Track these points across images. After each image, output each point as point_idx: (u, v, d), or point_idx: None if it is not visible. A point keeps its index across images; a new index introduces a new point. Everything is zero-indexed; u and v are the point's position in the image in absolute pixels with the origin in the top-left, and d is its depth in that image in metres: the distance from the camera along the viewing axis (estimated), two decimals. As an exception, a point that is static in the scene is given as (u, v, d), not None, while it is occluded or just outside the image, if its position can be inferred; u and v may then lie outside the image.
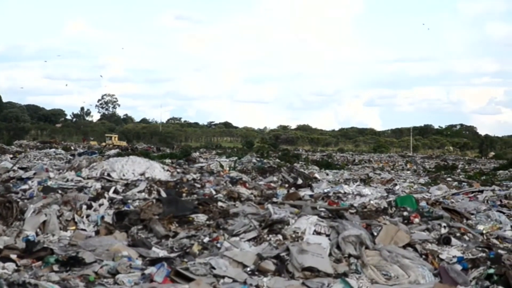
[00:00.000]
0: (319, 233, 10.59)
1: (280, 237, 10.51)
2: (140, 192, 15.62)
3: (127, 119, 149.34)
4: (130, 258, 9.28)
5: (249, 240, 10.57)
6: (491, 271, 9.20)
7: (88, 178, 17.51)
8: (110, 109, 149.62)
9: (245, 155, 45.70)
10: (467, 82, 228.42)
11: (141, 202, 14.11)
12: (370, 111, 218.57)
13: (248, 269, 8.92)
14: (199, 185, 18.41)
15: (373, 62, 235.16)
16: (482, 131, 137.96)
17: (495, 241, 12.38)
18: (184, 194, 16.19)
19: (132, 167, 18.70)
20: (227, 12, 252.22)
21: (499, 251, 10.60)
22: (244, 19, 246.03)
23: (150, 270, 8.39)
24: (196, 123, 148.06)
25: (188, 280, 7.99)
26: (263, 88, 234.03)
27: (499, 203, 19.44)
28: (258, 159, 37.68)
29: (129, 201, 14.35)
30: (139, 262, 9.27)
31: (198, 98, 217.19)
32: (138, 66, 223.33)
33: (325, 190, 19.98)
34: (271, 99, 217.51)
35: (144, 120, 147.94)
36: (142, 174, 18.52)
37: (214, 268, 8.61)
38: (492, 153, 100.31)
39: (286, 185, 22.65)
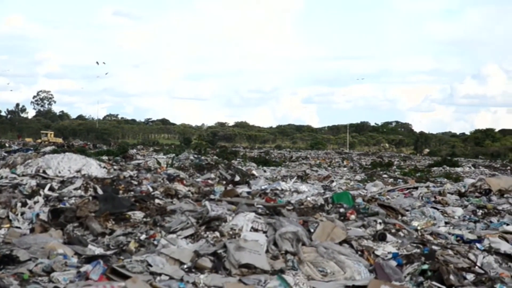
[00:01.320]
0: (256, 230, 10.62)
1: (217, 234, 10.51)
2: (76, 189, 15.46)
3: (63, 115, 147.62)
4: (65, 256, 9.18)
5: (186, 237, 10.54)
6: (425, 266, 9.33)
7: (23, 175, 17.26)
8: (46, 105, 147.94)
9: (183, 152, 45.54)
10: (403, 80, 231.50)
11: (77, 199, 13.97)
12: (307, 108, 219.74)
13: (185, 266, 8.91)
14: (136, 182, 18.29)
15: (311, 59, 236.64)
16: (417, 128, 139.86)
17: (429, 237, 12.55)
18: (120, 191, 16.08)
19: (68, 164, 18.49)
20: (166, 8, 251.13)
21: (433, 247, 10.75)
22: (183, 16, 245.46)
23: (86, 268, 8.31)
24: (134, 120, 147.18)
25: (125, 277, 7.94)
26: (201, 85, 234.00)
27: (433, 199, 19.73)
28: (195, 156, 37.61)
29: (65, 198, 14.20)
30: (74, 260, 9.17)
31: (135, 94, 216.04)
32: (76, 62, 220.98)
33: (263, 187, 20.04)
34: (209, 96, 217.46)
35: (80, 117, 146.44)
36: (78, 171, 18.32)
37: (150, 265, 8.58)
38: (427, 150, 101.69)
39: (224, 182, 22.64)
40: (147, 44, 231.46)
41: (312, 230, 10.88)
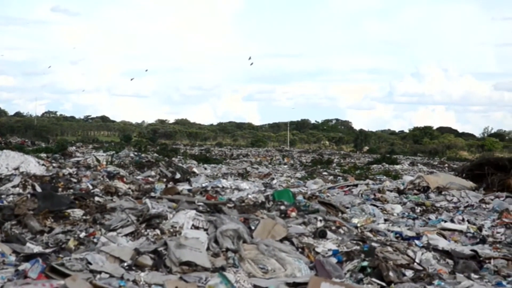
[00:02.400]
0: (197, 228, 10.59)
1: (158, 231, 10.46)
2: (14, 187, 15.30)
3: (0, 112, 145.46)
4: (3, 254, 9.05)
5: (126, 235, 10.47)
6: (365, 263, 9.41)
7: (-41, 173, 17.02)
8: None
9: (123, 149, 45.21)
10: (343, 78, 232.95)
11: (15, 197, 13.82)
12: (248, 105, 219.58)
13: (125, 264, 8.85)
14: (75, 180, 18.15)
15: (252, 57, 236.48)
16: (357, 126, 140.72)
17: (369, 234, 12.68)
18: (60, 189, 15.93)
19: (5, 162, 18.27)
20: (105, 4, 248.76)
21: (373, 244, 10.85)
22: (122, 12, 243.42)
23: (24, 266, 8.20)
24: (73, 117, 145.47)
25: (64, 276, 7.86)
26: (141, 82, 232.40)
27: (373, 196, 19.96)
28: (136, 153, 37.39)
29: (2, 196, 14.03)
30: (12, 258, 9.05)
31: (74, 91, 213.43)
32: (13, 58, 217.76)
33: (203, 185, 20.03)
34: (149, 93, 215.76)
35: (18, 114, 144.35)
36: (17, 168, 18.13)
37: (90, 263, 8.50)
38: (367, 148, 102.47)
39: (164, 180, 22.57)
40: (85, 40, 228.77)
41: (253, 228, 10.90)
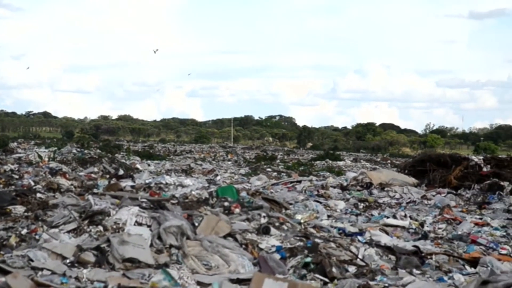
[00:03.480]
0: (140, 224, 10.53)
1: (100, 228, 10.38)
2: (-46, 183, 15.06)
3: None
4: None
5: (68, 232, 10.37)
6: (308, 259, 9.45)
7: None
8: None
9: (65, 145, 44.75)
10: (287, 74, 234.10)
11: (-45, 193, 13.59)
12: (192, 102, 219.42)
13: (68, 261, 8.76)
14: (17, 176, 17.95)
15: (195, 53, 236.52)
16: (300, 122, 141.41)
17: (312, 230, 12.72)
18: (1, 186, 15.75)
19: None
20: (49, 0, 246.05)
21: (316, 240, 10.89)
22: (65, 7, 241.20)
23: (-35, 263, 8.09)
24: (14, 113, 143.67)
25: (5, 273, 7.75)
26: (84, 78, 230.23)
27: (316, 193, 20.04)
28: (78, 149, 37.10)
29: None
30: (-48, 255, 8.92)
31: (16, 87, 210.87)
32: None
33: (147, 181, 19.94)
34: (92, 89, 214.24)
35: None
36: (-44, 164, 17.84)
37: (32, 260, 8.41)
38: (310, 144, 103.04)
39: (107, 176, 22.43)
40: (27, 35, 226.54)
41: (196, 224, 10.87)
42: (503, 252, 12.29)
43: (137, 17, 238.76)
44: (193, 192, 15.74)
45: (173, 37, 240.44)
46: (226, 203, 13.34)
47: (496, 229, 14.95)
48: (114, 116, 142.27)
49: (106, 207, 11.33)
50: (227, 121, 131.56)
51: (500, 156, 27.87)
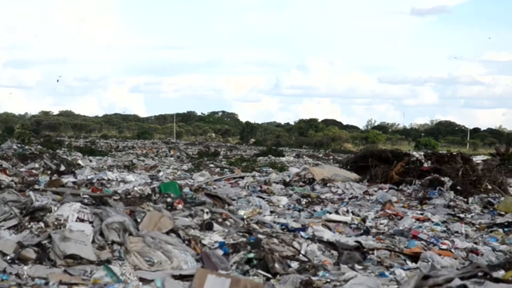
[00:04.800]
0: (82, 220, 10.44)
1: (42, 224, 10.27)
2: None
3: None
4: None
5: (9, 228, 10.24)
6: (251, 255, 9.47)
7: None
8: None
9: (5, 141, 44.16)
10: (230, 70, 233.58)
11: None
12: (134, 97, 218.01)
13: (8, 257, 8.67)
14: (-45, 172, 17.66)
15: (139, 48, 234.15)
16: (243, 118, 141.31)
17: (255, 226, 12.74)
18: None
19: None
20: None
21: (259, 235, 10.91)
22: (5, 0, 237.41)
23: None
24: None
25: None
26: (24, 73, 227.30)
27: (259, 188, 20.08)
28: (19, 145, 36.65)
29: None
30: None
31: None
32: None
33: (89, 177, 19.77)
34: (33, 84, 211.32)
35: None
36: None
37: (-28, 257, 8.30)
38: (253, 140, 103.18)
39: (49, 172, 22.21)
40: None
41: (139, 220, 10.81)
42: (444, 247, 12.47)
43: (79, 10, 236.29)
44: (135, 188, 15.63)
45: (116, 31, 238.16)
46: (168, 199, 13.27)
47: (437, 224, 15.16)
48: (55, 112, 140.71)
49: (48, 203, 11.21)
50: (170, 117, 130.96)
51: (440, 152, 28.23)
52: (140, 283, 8.03)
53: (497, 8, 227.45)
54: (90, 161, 33.88)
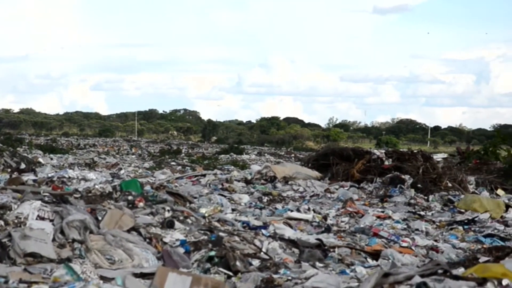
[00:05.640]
0: (42, 218, 10.36)
1: (1, 222, 10.17)
2: None
3: None
4: None
5: (-33, 227, 10.14)
6: (212, 253, 9.47)
7: None
8: None
9: (-36, 139, 43.75)
10: (192, 68, 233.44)
11: None
12: (96, 95, 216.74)
13: (-33, 256, 8.59)
14: None
15: (101, 46, 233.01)
16: (205, 116, 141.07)
17: (216, 224, 12.73)
18: None
19: None
20: None
21: (220, 233, 10.92)
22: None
23: None
24: None
25: None
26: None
27: (220, 186, 20.05)
28: (-22, 143, 36.37)
29: None
30: None
31: None
32: None
33: (49, 175, 19.60)
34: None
35: None
36: None
37: None
38: (215, 138, 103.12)
39: (9, 170, 22.02)
40: None
41: (100, 218, 10.76)
42: (404, 244, 12.58)
43: (40, 7, 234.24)
44: (96, 186, 15.55)
45: (77, 28, 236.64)
46: (130, 197, 13.23)
47: (397, 222, 15.29)
48: (16, 110, 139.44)
49: (8, 202, 11.12)
50: (131, 115, 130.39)
51: (401, 149, 28.41)
52: (101, 281, 7.98)
53: (457, 7, 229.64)
54: (51, 159, 33.70)
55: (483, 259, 9.99)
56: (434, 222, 15.82)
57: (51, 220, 10.34)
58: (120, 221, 10.70)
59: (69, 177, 18.87)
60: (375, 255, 11.22)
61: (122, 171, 26.16)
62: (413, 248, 12.41)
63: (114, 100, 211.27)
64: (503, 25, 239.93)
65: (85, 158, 37.25)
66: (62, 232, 9.72)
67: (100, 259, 9.14)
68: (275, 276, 8.90)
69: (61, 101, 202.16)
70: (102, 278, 8.27)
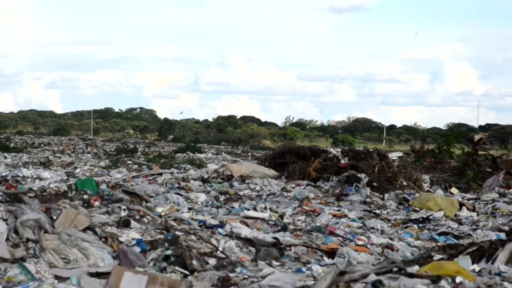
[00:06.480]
0: (-4, 218, 10.26)
1: (-47, 222, 10.06)
2: None
3: None
4: None
5: None
6: (169, 252, 9.43)
7: None
8: None
9: None
10: (148, 67, 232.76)
11: None
12: (51, 93, 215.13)
13: None
14: None
15: (56, 43, 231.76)
16: (161, 115, 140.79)
17: (173, 222, 12.68)
18: None
19: None
20: None
21: (177, 232, 10.88)
22: None
23: None
24: None
25: None
26: None
27: (177, 185, 20.02)
28: None
29: None
30: None
31: None
32: None
33: (3, 174, 19.44)
34: None
35: None
36: None
37: None
38: (171, 137, 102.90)
39: (-39, 169, 21.76)
40: None
41: (55, 217, 10.66)
42: (360, 243, 12.65)
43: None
44: (51, 185, 15.42)
45: (32, 26, 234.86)
46: (85, 196, 13.13)
47: (353, 220, 15.36)
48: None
49: (-40, 201, 10.99)
50: (87, 113, 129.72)
51: (357, 148, 28.56)
52: (56, 281, 7.92)
53: (412, 7, 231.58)
54: (5, 157, 33.38)
55: (437, 257, 10.09)
56: (389, 220, 15.93)
57: (5, 220, 10.22)
58: (75, 220, 10.62)
59: (24, 176, 18.72)
60: (331, 253, 11.26)
61: (77, 170, 25.98)
62: (368, 246, 12.48)
63: (70, 99, 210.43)
64: (457, 25, 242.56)
65: (40, 157, 36.88)
66: (16, 232, 9.62)
67: (55, 259, 9.06)
68: (231, 274, 8.89)
69: (15, 99, 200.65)
70: (57, 277, 8.20)
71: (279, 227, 13.91)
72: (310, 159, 23.06)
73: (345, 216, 15.88)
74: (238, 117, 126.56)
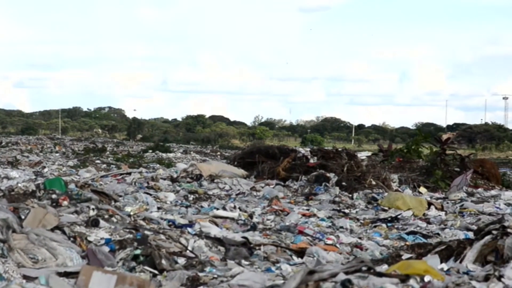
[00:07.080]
0: (-37, 218, 10.18)
1: None
2: None
3: None
4: None
5: None
6: (138, 251, 9.41)
7: None
8: None
9: None
10: (118, 66, 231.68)
11: None
12: (19, 92, 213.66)
13: None
14: None
15: (23, 42, 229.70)
16: (130, 114, 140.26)
17: (142, 222, 12.66)
18: None
19: None
20: None
21: (146, 232, 10.86)
22: None
23: None
24: None
25: None
26: None
27: (146, 185, 19.98)
28: None
29: None
30: None
31: None
32: None
33: (-30, 173, 19.32)
34: None
35: None
36: None
37: None
38: (140, 136, 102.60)
39: None
40: None
41: (23, 217, 10.61)
42: (329, 242, 12.69)
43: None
44: (19, 185, 15.33)
45: (1, 24, 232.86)
46: (54, 196, 13.07)
47: (322, 219, 15.41)
48: None
49: None
50: (55, 113, 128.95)
51: (326, 148, 28.68)
52: (24, 281, 7.88)
53: (380, 7, 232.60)
54: (-28, 157, 33.08)
55: (406, 256, 10.16)
56: (358, 219, 15.99)
57: (-28, 220, 10.16)
58: (44, 220, 10.57)
59: (-9, 176, 18.60)
60: (300, 252, 11.28)
61: (45, 170, 25.84)
62: (337, 245, 12.51)
63: (37, 98, 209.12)
64: (426, 25, 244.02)
65: (8, 156, 36.60)
66: (-17, 232, 9.56)
67: (23, 258, 9.00)
68: (201, 274, 8.90)
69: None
70: (25, 277, 8.15)
71: (249, 227, 13.92)
72: (279, 159, 23.11)
73: (314, 215, 15.91)
74: (207, 116, 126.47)
